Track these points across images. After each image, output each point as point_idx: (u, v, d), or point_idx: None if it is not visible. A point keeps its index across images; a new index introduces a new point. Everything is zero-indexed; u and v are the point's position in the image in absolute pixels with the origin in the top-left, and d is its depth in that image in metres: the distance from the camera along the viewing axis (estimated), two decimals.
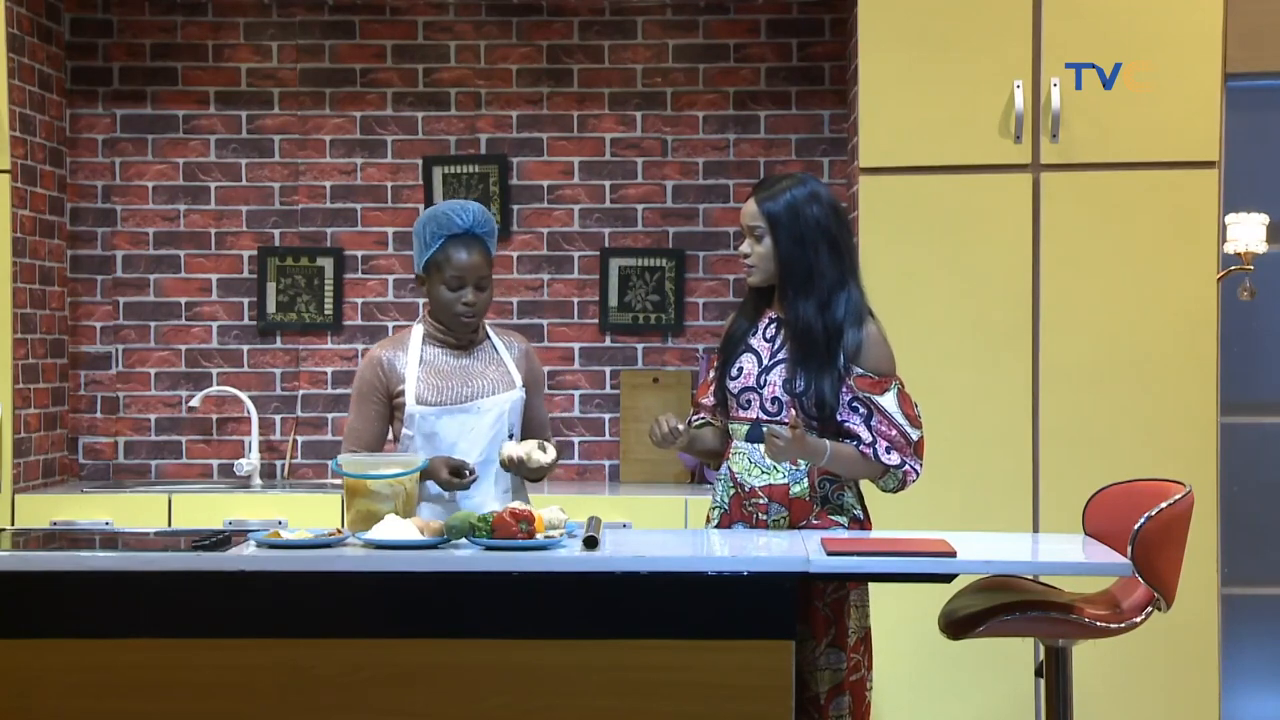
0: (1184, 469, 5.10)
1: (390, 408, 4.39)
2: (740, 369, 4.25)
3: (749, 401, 4.23)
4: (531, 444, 4.27)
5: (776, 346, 4.22)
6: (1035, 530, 5.40)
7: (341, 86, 6.31)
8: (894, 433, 4.15)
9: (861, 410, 4.15)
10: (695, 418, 4.41)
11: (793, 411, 4.12)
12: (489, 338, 4.48)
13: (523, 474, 4.29)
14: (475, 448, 4.34)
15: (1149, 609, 4.14)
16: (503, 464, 4.29)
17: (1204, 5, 5.40)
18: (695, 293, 6.27)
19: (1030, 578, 4.43)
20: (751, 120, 6.27)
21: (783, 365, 4.19)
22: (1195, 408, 5.38)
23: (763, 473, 4.19)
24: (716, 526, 4.27)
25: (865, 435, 4.15)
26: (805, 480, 4.18)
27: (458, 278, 4.33)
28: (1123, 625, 4.13)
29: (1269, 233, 5.85)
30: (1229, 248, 5.74)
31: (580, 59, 6.29)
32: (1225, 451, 5.63)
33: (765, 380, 4.20)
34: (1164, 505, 4.06)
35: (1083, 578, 4.45)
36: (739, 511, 4.23)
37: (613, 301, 6.27)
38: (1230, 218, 5.75)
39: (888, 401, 4.15)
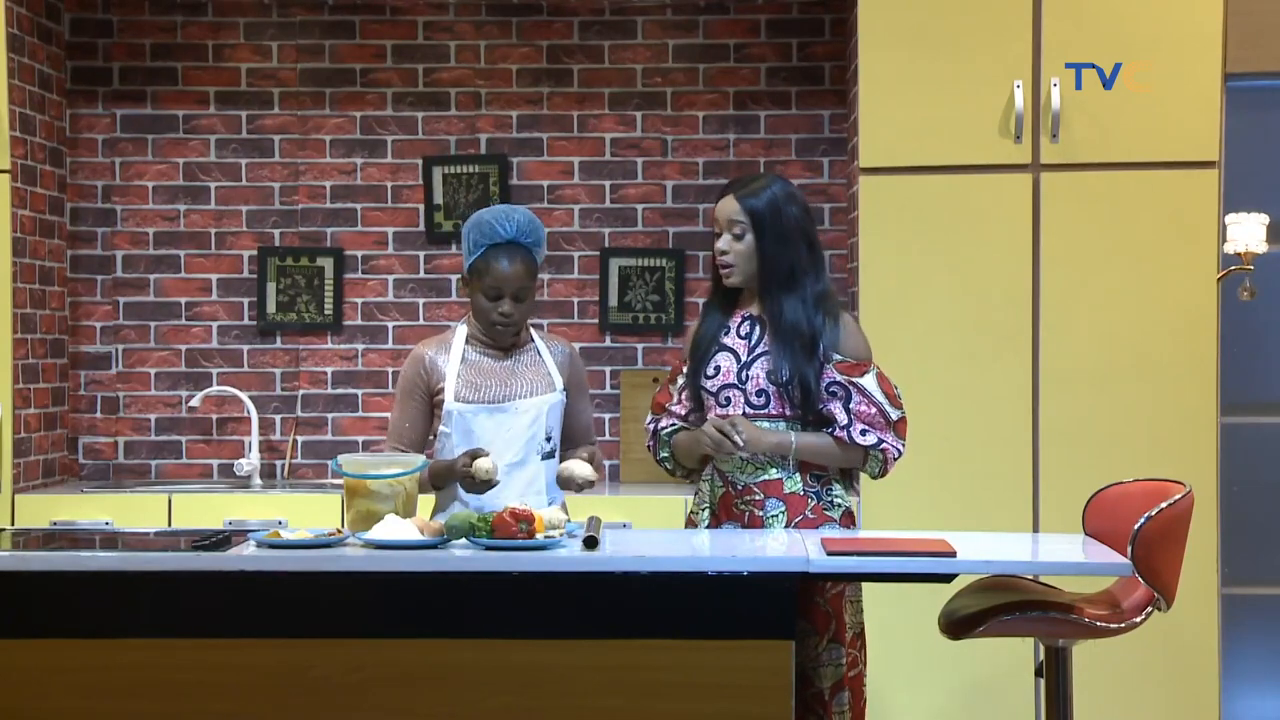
0: (1184, 469, 5.10)
1: (432, 405, 4.41)
2: (717, 368, 4.25)
3: (729, 399, 4.23)
4: (579, 465, 4.28)
5: (754, 343, 4.23)
6: (1035, 530, 5.40)
7: (341, 86, 6.31)
8: (872, 411, 4.16)
9: (840, 394, 4.17)
10: (666, 426, 4.37)
11: (727, 412, 4.16)
12: (533, 341, 4.48)
13: (571, 489, 4.31)
14: (511, 448, 4.34)
15: (1149, 609, 4.14)
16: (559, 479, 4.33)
17: (1204, 5, 5.40)
18: (695, 293, 6.26)
19: (1030, 578, 4.43)
20: (751, 120, 6.27)
21: (764, 358, 4.20)
22: (1195, 408, 5.38)
23: (756, 469, 4.19)
24: (707, 528, 4.26)
25: (842, 417, 4.16)
26: (798, 475, 4.19)
27: (495, 288, 4.31)
28: (1123, 625, 4.13)
29: (1269, 233, 5.85)
30: (1229, 248, 5.74)
31: (580, 59, 6.29)
32: (1225, 451, 5.63)
33: (748, 375, 4.21)
34: (1164, 505, 4.06)
35: (1083, 578, 4.45)
36: (729, 511, 4.22)
37: (613, 301, 6.27)
38: (1230, 218, 5.75)
39: (868, 381, 4.18)
